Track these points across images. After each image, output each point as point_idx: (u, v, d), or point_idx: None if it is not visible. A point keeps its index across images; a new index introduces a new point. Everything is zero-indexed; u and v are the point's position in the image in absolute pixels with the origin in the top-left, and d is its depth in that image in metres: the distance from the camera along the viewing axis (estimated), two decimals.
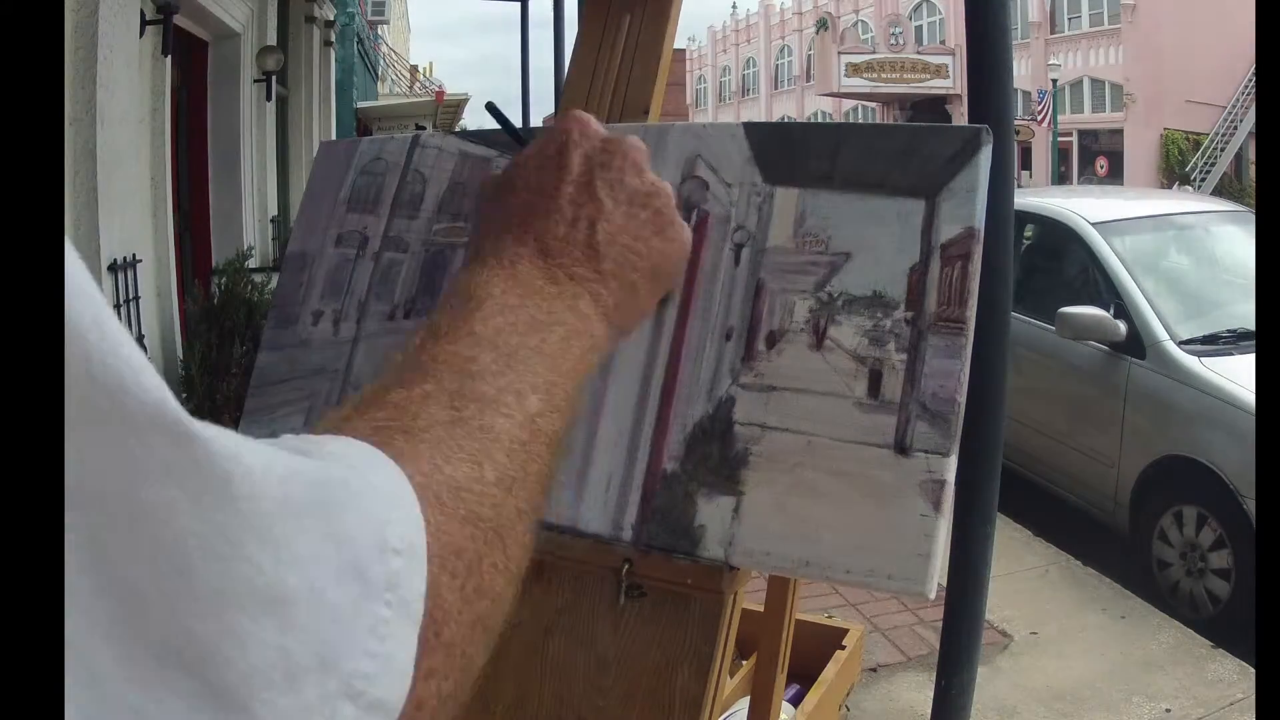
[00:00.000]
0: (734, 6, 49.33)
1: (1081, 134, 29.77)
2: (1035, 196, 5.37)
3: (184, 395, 4.40)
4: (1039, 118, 29.32)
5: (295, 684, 0.28)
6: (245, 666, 0.27)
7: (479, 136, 1.17)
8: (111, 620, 0.26)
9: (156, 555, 0.27)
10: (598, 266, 0.56)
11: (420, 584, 0.33)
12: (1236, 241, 4.65)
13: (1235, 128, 26.13)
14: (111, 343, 0.29)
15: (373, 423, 0.40)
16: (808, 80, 39.51)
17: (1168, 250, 4.74)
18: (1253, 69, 21.63)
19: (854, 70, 32.36)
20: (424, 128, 13.90)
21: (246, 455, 0.31)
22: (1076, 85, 29.58)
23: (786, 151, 0.99)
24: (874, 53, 32.71)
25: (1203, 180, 25.48)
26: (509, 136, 0.95)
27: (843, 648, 1.95)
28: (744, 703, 1.51)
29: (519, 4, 9.02)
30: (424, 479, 0.36)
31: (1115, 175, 27.60)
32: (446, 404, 0.42)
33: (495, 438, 0.42)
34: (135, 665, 0.26)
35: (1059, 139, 28.82)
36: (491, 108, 0.92)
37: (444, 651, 0.35)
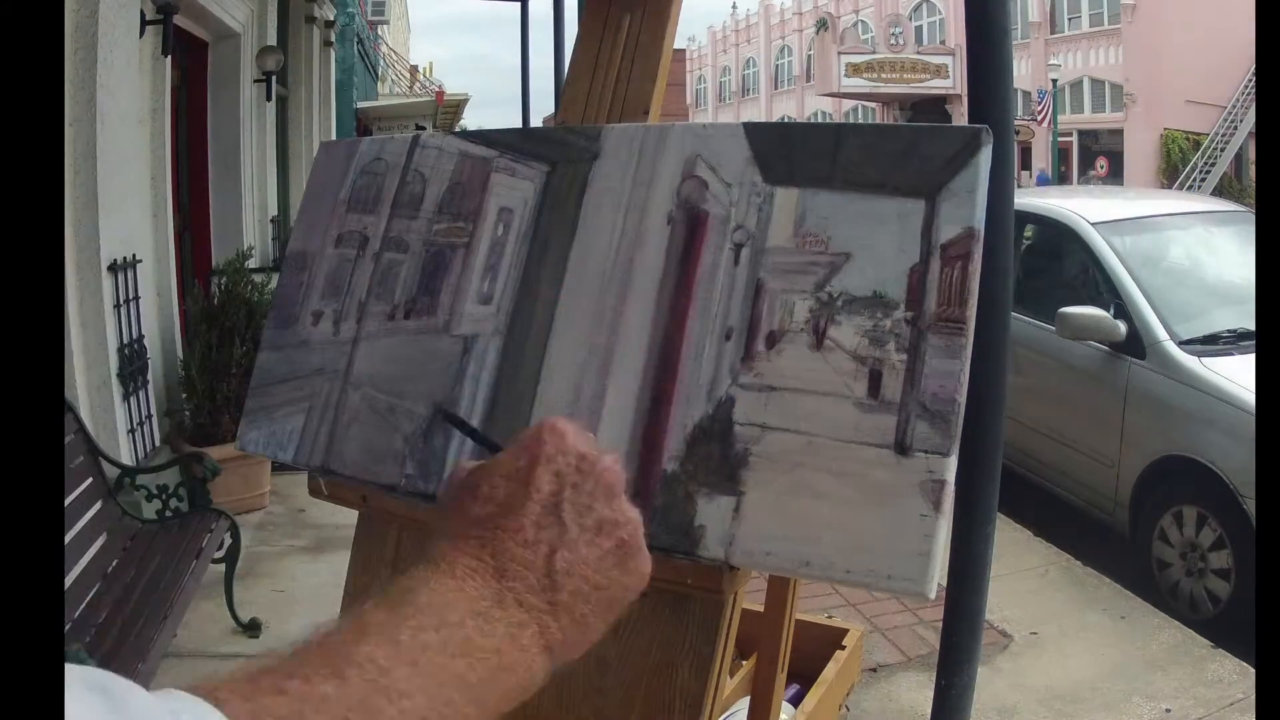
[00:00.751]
0: (734, 6, 49.33)
1: (1081, 134, 29.76)
2: (1035, 197, 5.37)
3: (184, 395, 4.40)
4: (1039, 118, 29.32)
5: None
6: None
7: (479, 136, 1.17)
8: None
9: None
10: (552, 597, 0.53)
11: None
12: (1236, 241, 4.65)
13: (1235, 128, 26.12)
14: None
15: (264, 709, 0.40)
16: (808, 80, 39.49)
17: (1168, 250, 4.74)
18: (1253, 69, 21.63)
19: (854, 70, 32.35)
20: (424, 128, 13.90)
21: None
22: (1076, 85, 29.58)
23: (786, 152, 0.99)
24: (874, 53, 32.70)
25: (1203, 180, 25.48)
26: (477, 442, 0.92)
27: (843, 648, 1.95)
28: (744, 703, 1.51)
29: (519, 4, 9.01)
30: None
31: (1115, 175, 27.60)
32: (340, 715, 0.42)
33: None
34: None
35: (1059, 139, 28.82)
36: (450, 416, 0.91)
37: None
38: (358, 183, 1.21)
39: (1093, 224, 4.50)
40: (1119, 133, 28.21)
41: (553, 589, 0.53)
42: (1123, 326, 3.97)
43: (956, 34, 30.67)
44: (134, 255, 3.97)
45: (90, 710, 0.35)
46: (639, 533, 0.58)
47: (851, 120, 22.87)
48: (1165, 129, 27.12)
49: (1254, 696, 2.70)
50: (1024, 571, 3.63)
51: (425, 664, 0.45)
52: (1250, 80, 24.91)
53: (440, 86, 17.94)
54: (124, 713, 0.36)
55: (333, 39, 10.02)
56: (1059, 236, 4.74)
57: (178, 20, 4.66)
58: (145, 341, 4.11)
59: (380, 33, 19.40)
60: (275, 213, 7.38)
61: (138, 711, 0.37)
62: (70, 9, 3.42)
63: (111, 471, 3.23)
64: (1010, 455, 3.12)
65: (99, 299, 3.63)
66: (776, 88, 44.51)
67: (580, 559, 0.54)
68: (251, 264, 5.09)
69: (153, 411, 4.17)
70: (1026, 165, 29.06)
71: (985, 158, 0.90)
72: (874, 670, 2.89)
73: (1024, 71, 28.56)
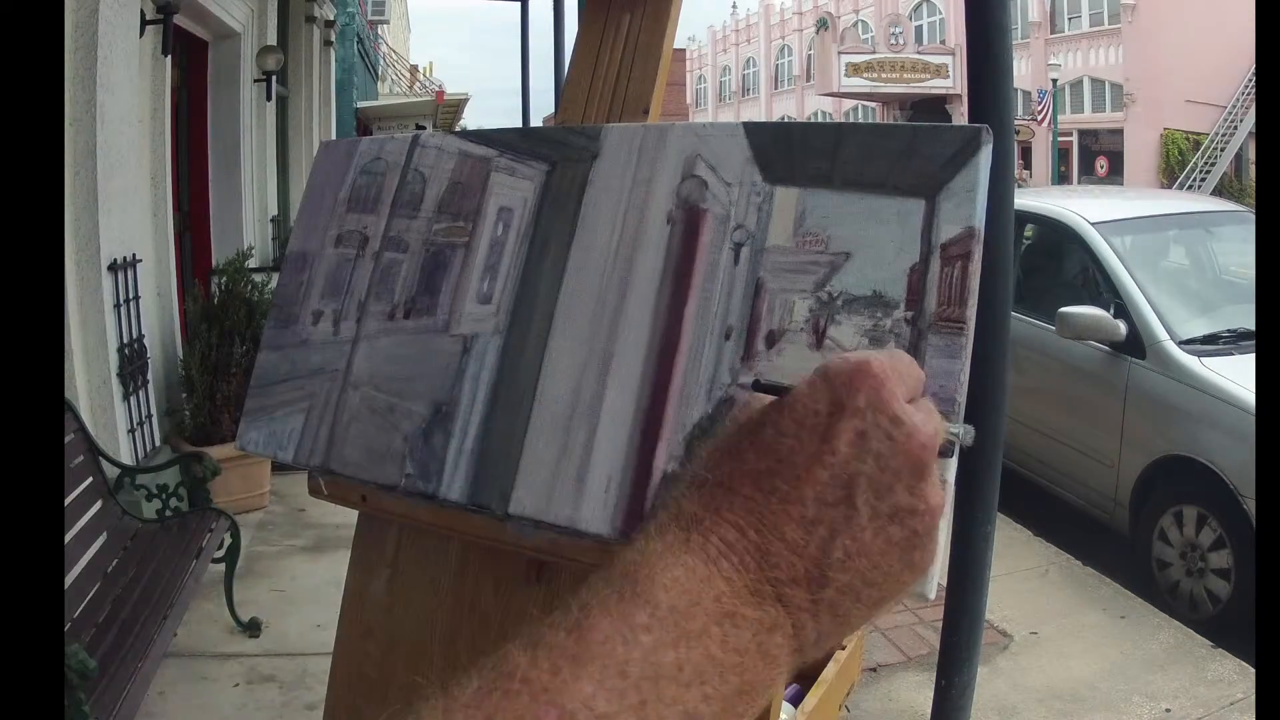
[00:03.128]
0: (734, 6, 49.33)
1: (1081, 134, 29.76)
2: (1035, 197, 5.37)
3: (184, 395, 4.40)
4: (1039, 118, 29.32)
5: None
6: None
7: (479, 136, 1.17)
8: None
9: None
10: (817, 593, 0.42)
11: None
12: (1236, 241, 4.66)
13: (1235, 128, 26.12)
14: None
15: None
16: (808, 80, 39.50)
17: (1168, 250, 4.74)
18: (1253, 69, 21.64)
19: (854, 70, 32.36)
20: (424, 127, 13.91)
21: None
22: (1076, 85, 29.59)
23: (786, 151, 0.99)
24: (874, 53, 32.71)
25: (1203, 180, 25.48)
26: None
27: (842, 648, 1.95)
28: None
29: (519, 4, 9.02)
30: None
31: (1115, 175, 27.61)
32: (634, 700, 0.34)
33: None
34: None
35: (1059, 139, 28.82)
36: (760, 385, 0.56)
37: None
38: (357, 182, 1.21)
39: (1093, 224, 4.51)
40: (1119, 133, 28.21)
41: (822, 584, 0.42)
42: (1123, 326, 3.97)
43: (956, 34, 30.67)
44: (134, 255, 3.97)
45: None
46: (936, 524, 0.46)
47: (851, 120, 22.86)
48: (1165, 129, 27.13)
49: (1254, 696, 2.70)
50: (1024, 571, 3.63)
51: (654, 702, 0.36)
52: (1250, 80, 24.92)
53: (440, 86, 17.95)
54: None
55: (333, 39, 10.02)
56: (1059, 236, 4.74)
57: (178, 20, 4.66)
58: (145, 341, 4.11)
59: (380, 32, 19.40)
60: (275, 212, 7.38)
61: None
62: (70, 9, 3.42)
63: (111, 471, 3.23)
64: (1010, 455, 3.12)
65: (99, 299, 3.63)
66: (776, 88, 44.51)
67: (862, 549, 0.42)
68: (251, 264, 5.10)
69: (153, 411, 4.17)
70: (1027, 165, 29.08)
71: (985, 157, 0.90)
72: (874, 670, 2.89)
73: (1024, 71, 28.56)
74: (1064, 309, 4.07)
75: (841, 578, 0.42)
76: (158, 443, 4.19)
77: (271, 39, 6.89)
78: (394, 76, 21.27)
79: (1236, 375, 3.54)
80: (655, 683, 0.36)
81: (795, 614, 0.41)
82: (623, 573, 0.41)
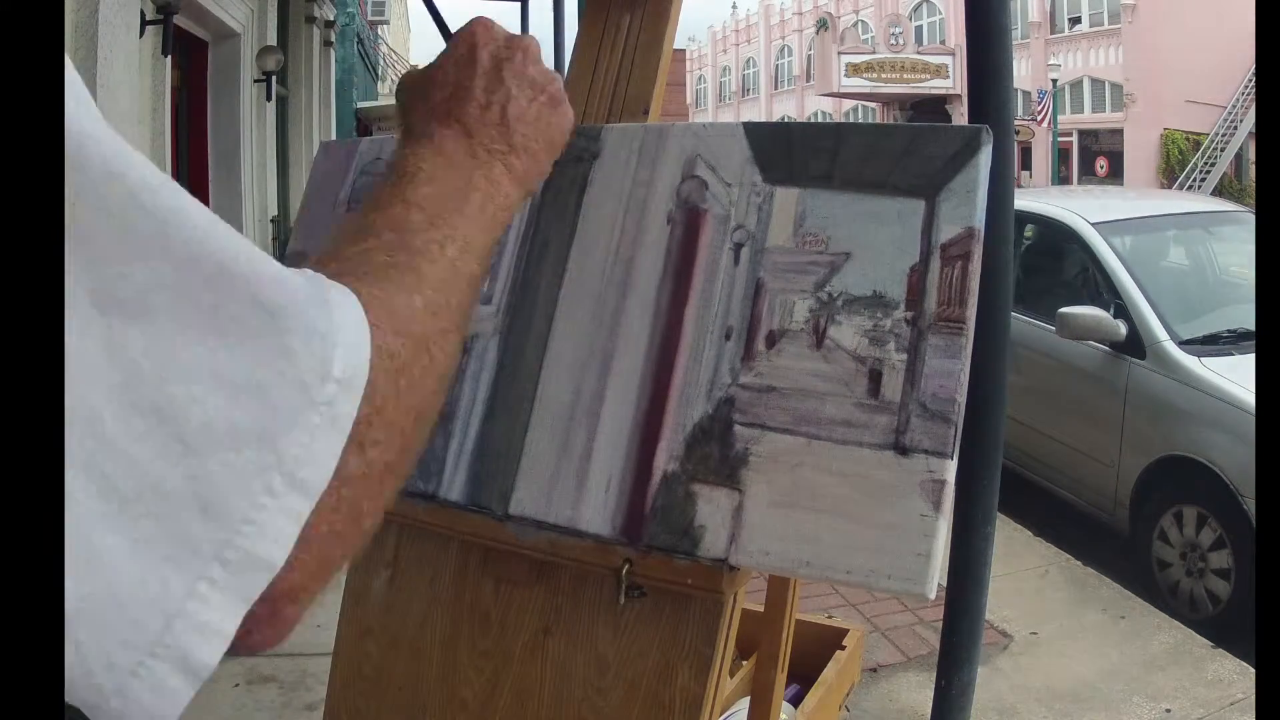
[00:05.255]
0: (734, 6, 49.34)
1: (1081, 134, 29.76)
2: (1035, 197, 5.37)
3: None
4: (1039, 118, 29.32)
5: (239, 448, 0.38)
6: (201, 424, 0.37)
7: None
8: (110, 386, 0.36)
9: (150, 337, 0.37)
10: (509, 140, 0.68)
11: (352, 408, 0.42)
12: (1236, 241, 4.66)
13: (1235, 128, 26.12)
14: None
15: (334, 272, 0.48)
16: (808, 80, 39.50)
17: (1167, 250, 4.74)
18: (1253, 69, 21.63)
19: (854, 70, 32.36)
20: None
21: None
22: (1076, 85, 29.58)
23: (786, 151, 0.99)
24: (874, 53, 32.71)
25: (1203, 180, 25.49)
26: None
27: (843, 648, 1.95)
28: (744, 703, 1.51)
29: (519, 4, 9.02)
30: (368, 306, 0.46)
31: (1115, 175, 27.60)
32: (385, 254, 0.53)
33: (423, 277, 0.53)
34: (127, 420, 0.36)
35: (1059, 139, 28.82)
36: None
37: (384, 427, 0.45)
38: (358, 183, 1.21)
39: (1093, 224, 4.50)
40: (1119, 133, 28.21)
41: (509, 134, 0.69)
42: (1123, 326, 3.97)
43: (956, 34, 30.67)
44: None
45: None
46: (560, 86, 0.74)
47: (851, 120, 22.88)
48: (1165, 129, 27.13)
49: (1254, 696, 2.70)
50: (1024, 571, 3.63)
51: (430, 208, 0.59)
52: (1250, 80, 24.91)
53: None
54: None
55: (333, 39, 10.02)
56: (1059, 236, 4.74)
57: (178, 20, 4.67)
58: None
59: (380, 33, 19.40)
60: (275, 213, 7.38)
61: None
62: (70, 9, 3.42)
63: None
64: (1010, 455, 3.12)
65: None
66: (776, 88, 44.51)
67: (524, 109, 0.70)
68: None
69: None
70: (1027, 165, 29.08)
71: (985, 157, 0.90)
72: (874, 670, 2.89)
73: (1024, 71, 28.55)
74: (1064, 309, 4.07)
75: (520, 127, 0.69)
76: None
77: (271, 39, 6.89)
78: (394, 77, 21.27)
79: (1236, 375, 3.53)
80: (426, 199, 0.60)
81: (502, 157, 0.67)
82: (394, 169, 0.63)
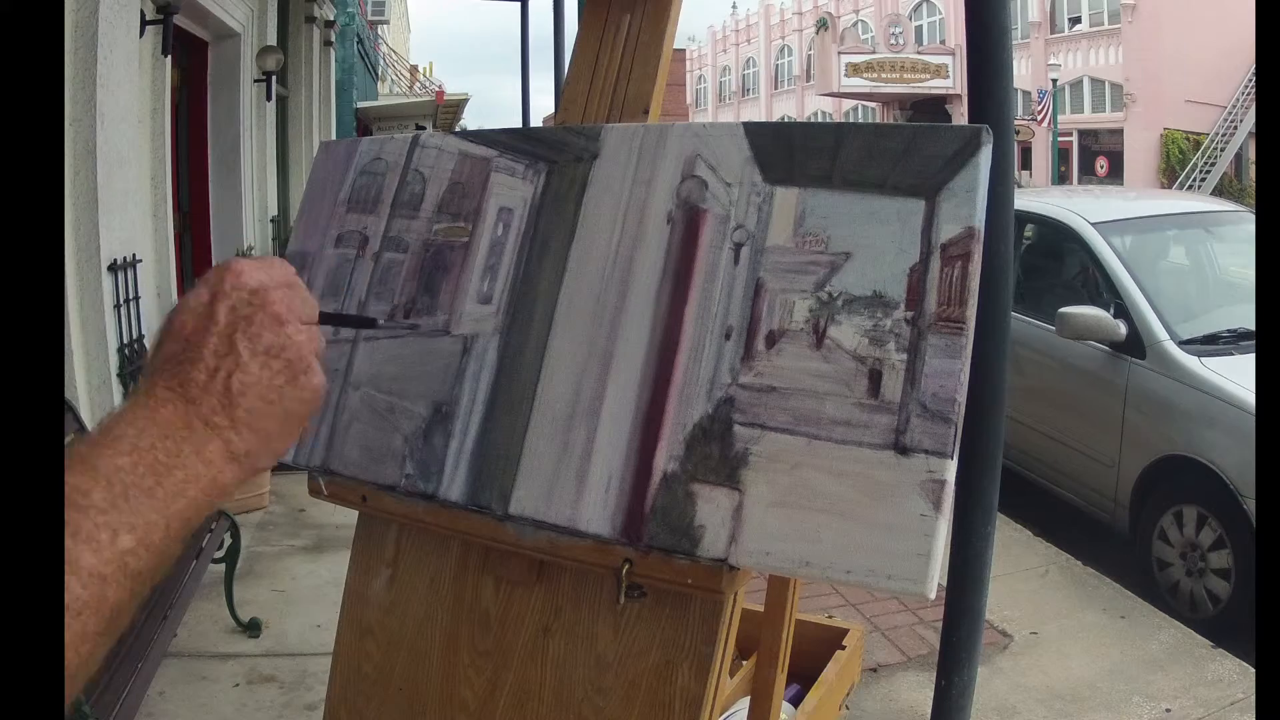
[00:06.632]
0: (734, 6, 49.33)
1: (1081, 134, 29.74)
2: (1035, 197, 5.37)
3: None
4: (1039, 118, 29.31)
5: None
6: None
7: (479, 136, 1.17)
8: None
9: None
10: (232, 415, 0.61)
11: None
12: (1236, 241, 4.65)
13: (1235, 128, 26.12)
14: None
15: None
16: (808, 80, 39.48)
17: (1167, 250, 4.74)
18: (1253, 69, 21.63)
19: (854, 70, 32.34)
20: (424, 127, 13.90)
21: None
22: (1076, 85, 29.57)
23: (786, 151, 0.99)
24: (874, 53, 32.69)
25: (1203, 180, 25.48)
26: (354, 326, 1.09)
27: (843, 648, 1.95)
28: (744, 703, 1.51)
29: (519, 4, 9.02)
30: None
31: (1115, 175, 27.59)
32: None
33: (75, 570, 0.50)
34: None
35: (1059, 139, 28.81)
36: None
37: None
38: (358, 183, 1.21)
39: (1093, 224, 4.50)
40: (1119, 133, 28.20)
41: (231, 407, 0.62)
42: (1123, 326, 3.97)
43: (956, 34, 30.66)
44: (134, 255, 3.97)
45: None
46: (305, 352, 0.65)
47: (851, 120, 22.86)
48: (1165, 129, 27.12)
49: (1254, 696, 2.70)
50: (1024, 571, 3.63)
51: (117, 484, 0.54)
52: (1250, 80, 24.91)
53: (440, 86, 17.94)
54: None
55: (333, 39, 10.02)
56: (1059, 236, 4.74)
57: (178, 20, 4.66)
58: (145, 342, 4.11)
59: (380, 33, 19.40)
60: (275, 213, 7.38)
61: None
62: (70, 9, 3.42)
63: None
64: (1010, 455, 3.12)
65: (99, 299, 3.63)
66: (776, 88, 44.50)
67: (254, 380, 0.63)
68: None
69: None
70: (1027, 165, 29.07)
71: (985, 157, 0.90)
72: (874, 670, 2.89)
73: (1024, 71, 28.54)
74: (1064, 309, 4.06)
75: (245, 401, 0.62)
76: None
77: (271, 39, 6.89)
78: (394, 77, 21.27)
79: (1236, 375, 3.53)
80: (117, 472, 0.55)
81: (221, 432, 0.61)
82: (100, 427, 0.58)
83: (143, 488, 0.55)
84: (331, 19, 9.83)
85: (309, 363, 0.66)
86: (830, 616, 2.19)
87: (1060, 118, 28.81)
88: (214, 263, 5.61)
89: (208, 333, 0.63)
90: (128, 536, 0.53)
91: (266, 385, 0.63)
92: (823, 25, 33.65)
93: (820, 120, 31.08)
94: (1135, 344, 3.93)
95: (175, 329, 0.64)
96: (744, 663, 1.74)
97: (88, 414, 3.46)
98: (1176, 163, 26.86)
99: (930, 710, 2.18)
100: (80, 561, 0.50)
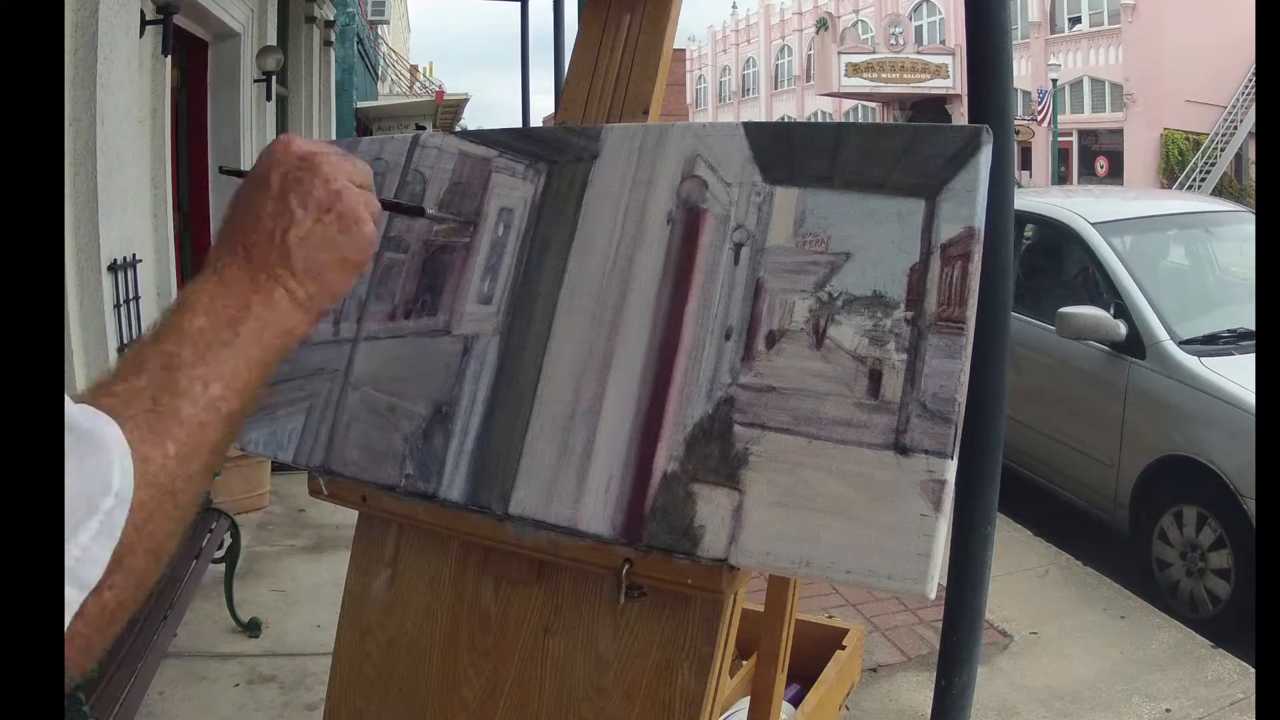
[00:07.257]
0: (734, 6, 49.32)
1: (1081, 134, 29.73)
2: (1035, 196, 5.37)
3: None
4: (1039, 118, 29.31)
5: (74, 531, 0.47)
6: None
7: (479, 136, 1.17)
8: None
9: None
10: (291, 265, 0.68)
11: (122, 518, 0.50)
12: (1236, 241, 4.65)
13: (1235, 128, 26.11)
14: None
15: (107, 407, 0.54)
16: (808, 80, 39.48)
17: (1167, 250, 4.74)
18: (1253, 69, 21.63)
19: (854, 70, 32.34)
20: (424, 127, 13.89)
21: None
22: (1076, 85, 29.57)
23: (786, 151, 0.99)
24: (874, 53, 32.69)
25: (1203, 180, 25.48)
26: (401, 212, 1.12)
27: (843, 648, 1.95)
28: (744, 703, 1.51)
29: (519, 4, 9.02)
30: (132, 452, 0.52)
31: (1115, 175, 27.59)
32: (149, 397, 0.57)
33: (181, 421, 0.57)
34: None
35: (1059, 139, 28.81)
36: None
37: (123, 573, 0.51)
38: None
39: (1093, 224, 4.50)
40: (1119, 133, 28.19)
41: (290, 259, 0.68)
42: (1123, 326, 3.97)
43: (956, 34, 30.66)
44: (134, 255, 3.97)
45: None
46: (354, 204, 0.72)
47: (852, 120, 22.84)
48: (1165, 129, 27.11)
49: (1254, 696, 2.70)
50: (1024, 571, 3.63)
51: (201, 341, 0.61)
52: (1250, 80, 24.91)
53: (440, 86, 17.94)
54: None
55: (333, 39, 10.02)
56: (1059, 236, 4.74)
57: (178, 20, 4.66)
58: None
59: (380, 33, 19.40)
60: None
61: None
62: (70, 9, 3.42)
63: None
64: (1010, 455, 3.12)
65: (99, 299, 3.63)
66: (776, 88, 44.49)
67: (308, 233, 0.70)
68: None
69: None
70: (1026, 165, 29.07)
71: (985, 157, 0.90)
72: (874, 670, 2.89)
73: (1024, 71, 28.54)
74: (1064, 309, 4.06)
75: (302, 252, 0.69)
76: None
77: (271, 39, 6.88)
78: (394, 76, 21.27)
79: (1236, 375, 3.53)
80: (200, 332, 0.62)
81: (284, 281, 0.68)
82: (176, 299, 0.65)
83: (222, 340, 0.62)
84: (331, 19, 9.83)
85: (359, 214, 0.72)
86: (830, 616, 2.19)
87: (1060, 118, 28.81)
88: None
89: (264, 198, 0.70)
90: (217, 385, 0.60)
91: (320, 236, 0.70)
92: (823, 25, 33.65)
93: (820, 120, 31.09)
94: (1135, 344, 3.93)
95: (239, 203, 0.71)
96: (744, 663, 1.74)
97: None
98: (1176, 163, 26.86)
99: (930, 710, 2.18)
100: (181, 413, 0.57)
